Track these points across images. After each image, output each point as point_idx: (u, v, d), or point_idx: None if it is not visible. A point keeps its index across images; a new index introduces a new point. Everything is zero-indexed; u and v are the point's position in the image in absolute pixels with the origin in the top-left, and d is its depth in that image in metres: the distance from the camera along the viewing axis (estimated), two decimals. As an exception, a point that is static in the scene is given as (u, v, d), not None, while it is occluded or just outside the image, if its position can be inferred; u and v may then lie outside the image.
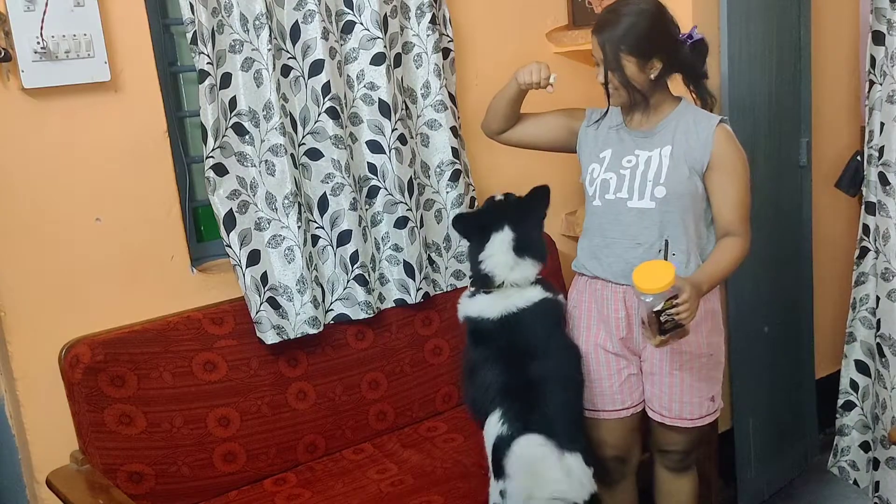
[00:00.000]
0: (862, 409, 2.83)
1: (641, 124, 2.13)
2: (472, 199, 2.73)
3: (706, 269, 2.05)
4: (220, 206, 2.28)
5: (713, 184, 2.07)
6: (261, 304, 2.33)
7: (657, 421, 2.23)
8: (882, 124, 2.57)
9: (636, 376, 2.21)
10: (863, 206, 2.70)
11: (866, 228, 2.69)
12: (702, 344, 2.14)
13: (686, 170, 2.06)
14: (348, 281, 2.48)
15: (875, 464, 2.78)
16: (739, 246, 2.06)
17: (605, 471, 2.24)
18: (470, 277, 2.28)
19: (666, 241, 2.05)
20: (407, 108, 2.58)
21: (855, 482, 2.86)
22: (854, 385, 2.83)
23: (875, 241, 2.66)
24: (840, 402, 2.87)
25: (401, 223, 2.55)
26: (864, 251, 2.72)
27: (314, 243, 2.45)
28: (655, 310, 1.87)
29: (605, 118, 2.18)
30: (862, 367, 2.80)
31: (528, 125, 2.29)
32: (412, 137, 2.59)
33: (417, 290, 2.59)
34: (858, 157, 2.75)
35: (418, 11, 2.56)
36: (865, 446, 2.84)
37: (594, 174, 2.16)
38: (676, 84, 2.16)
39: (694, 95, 2.15)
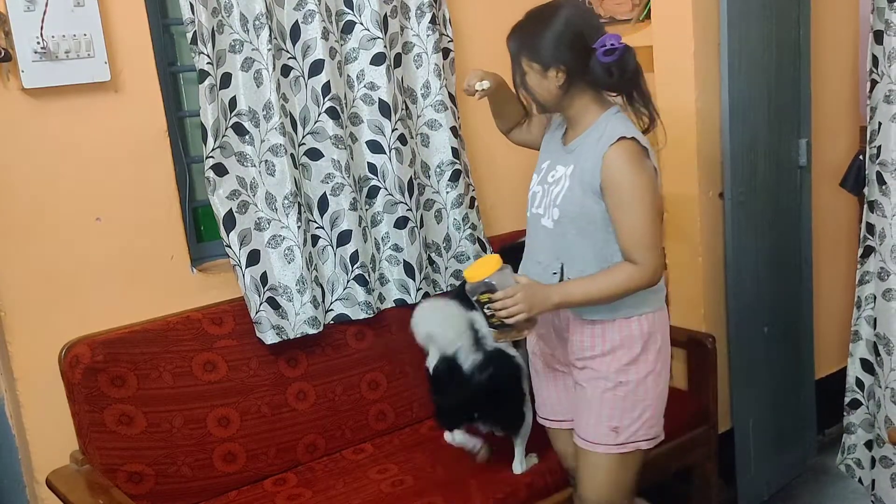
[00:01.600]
0: (867, 408, 2.82)
1: (567, 138, 2.02)
2: (472, 199, 2.73)
3: (570, 283, 1.93)
4: (220, 206, 2.28)
5: (608, 207, 1.89)
6: (260, 305, 2.33)
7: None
8: (880, 124, 2.57)
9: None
10: (866, 205, 2.69)
11: (870, 227, 2.67)
12: (611, 368, 1.96)
13: (580, 192, 1.90)
14: (348, 281, 2.48)
15: (873, 462, 2.79)
16: (630, 274, 1.87)
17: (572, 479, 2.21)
18: None
19: (562, 264, 1.97)
20: (407, 108, 2.58)
21: (860, 480, 2.86)
22: (860, 383, 2.82)
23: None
24: (846, 399, 2.85)
25: (401, 223, 2.55)
26: (868, 250, 2.70)
27: (314, 243, 2.45)
28: (473, 299, 1.90)
29: (556, 127, 2.08)
30: (867, 366, 2.79)
31: (525, 126, 2.22)
32: (412, 137, 2.59)
33: (417, 291, 2.58)
34: (861, 157, 2.75)
35: (418, 11, 2.56)
36: (870, 444, 2.83)
37: (531, 184, 2.08)
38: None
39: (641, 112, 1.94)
